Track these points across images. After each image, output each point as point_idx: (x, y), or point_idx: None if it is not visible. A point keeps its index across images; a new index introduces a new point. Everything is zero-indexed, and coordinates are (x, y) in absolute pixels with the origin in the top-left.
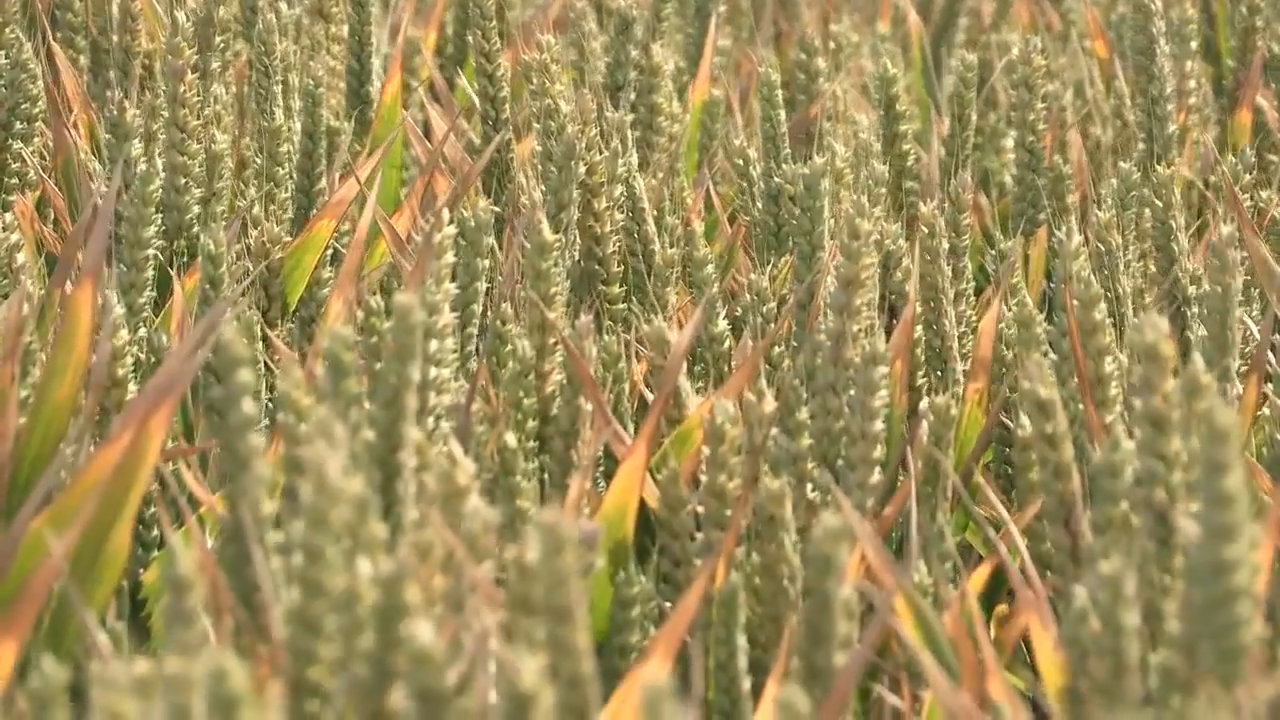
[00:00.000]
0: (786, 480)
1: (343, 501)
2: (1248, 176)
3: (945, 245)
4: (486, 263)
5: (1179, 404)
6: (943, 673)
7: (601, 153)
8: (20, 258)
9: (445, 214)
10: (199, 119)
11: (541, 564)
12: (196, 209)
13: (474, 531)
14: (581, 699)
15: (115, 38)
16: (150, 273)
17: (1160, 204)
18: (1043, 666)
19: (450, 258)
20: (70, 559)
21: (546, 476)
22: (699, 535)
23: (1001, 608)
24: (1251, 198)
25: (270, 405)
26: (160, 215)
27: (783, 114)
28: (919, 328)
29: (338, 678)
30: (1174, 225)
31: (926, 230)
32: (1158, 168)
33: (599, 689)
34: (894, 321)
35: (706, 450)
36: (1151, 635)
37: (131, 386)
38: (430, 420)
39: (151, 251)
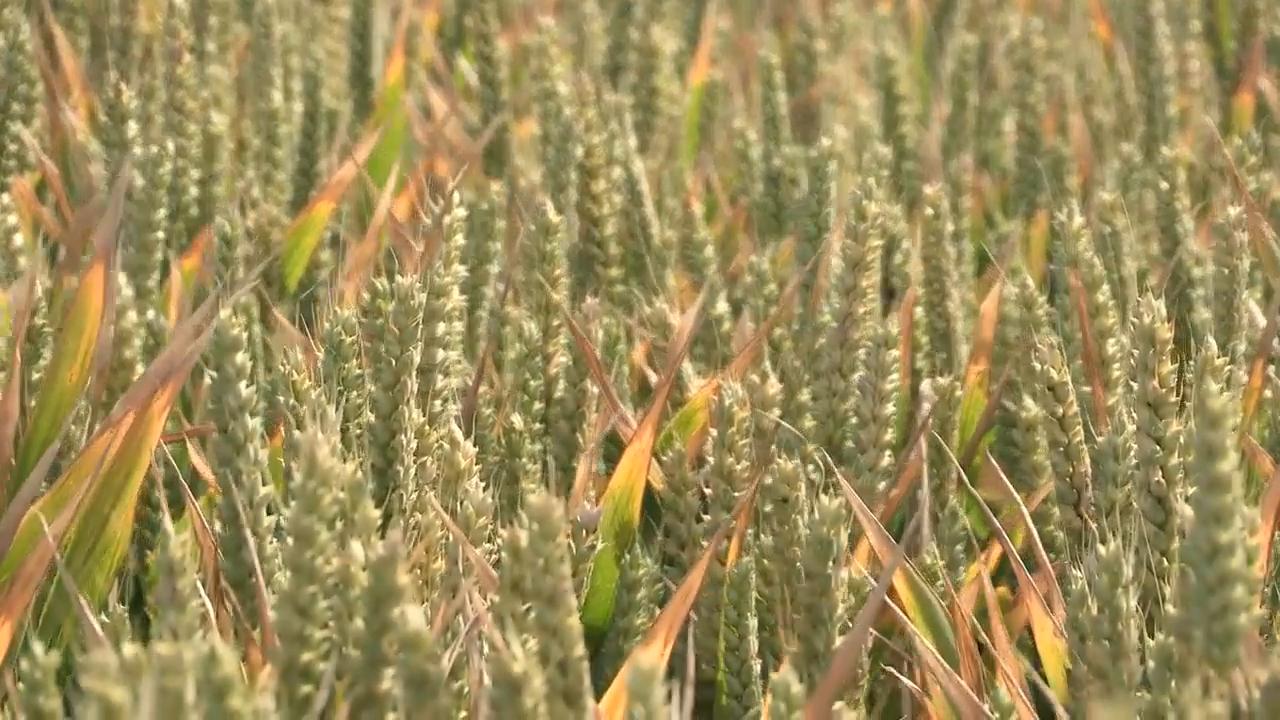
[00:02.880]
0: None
1: (335, 485)
2: (1253, 159)
3: (950, 227)
4: (498, 245)
5: (1188, 386)
6: (941, 657)
7: (600, 135)
8: (18, 239)
9: (455, 196)
10: (196, 101)
11: (532, 548)
12: (195, 190)
13: (470, 515)
14: (571, 683)
15: (114, 19)
16: (160, 255)
17: (1167, 185)
18: (1043, 652)
19: (460, 240)
20: (70, 543)
21: (552, 459)
22: (705, 517)
23: (1002, 590)
24: (1256, 180)
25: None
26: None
27: (783, 96)
28: (919, 310)
29: (329, 661)
30: (1178, 207)
31: (932, 212)
32: (1163, 150)
33: (589, 673)
34: (891, 303)
35: (713, 432)
36: (1150, 619)
37: (140, 369)
38: (437, 403)
39: (161, 235)
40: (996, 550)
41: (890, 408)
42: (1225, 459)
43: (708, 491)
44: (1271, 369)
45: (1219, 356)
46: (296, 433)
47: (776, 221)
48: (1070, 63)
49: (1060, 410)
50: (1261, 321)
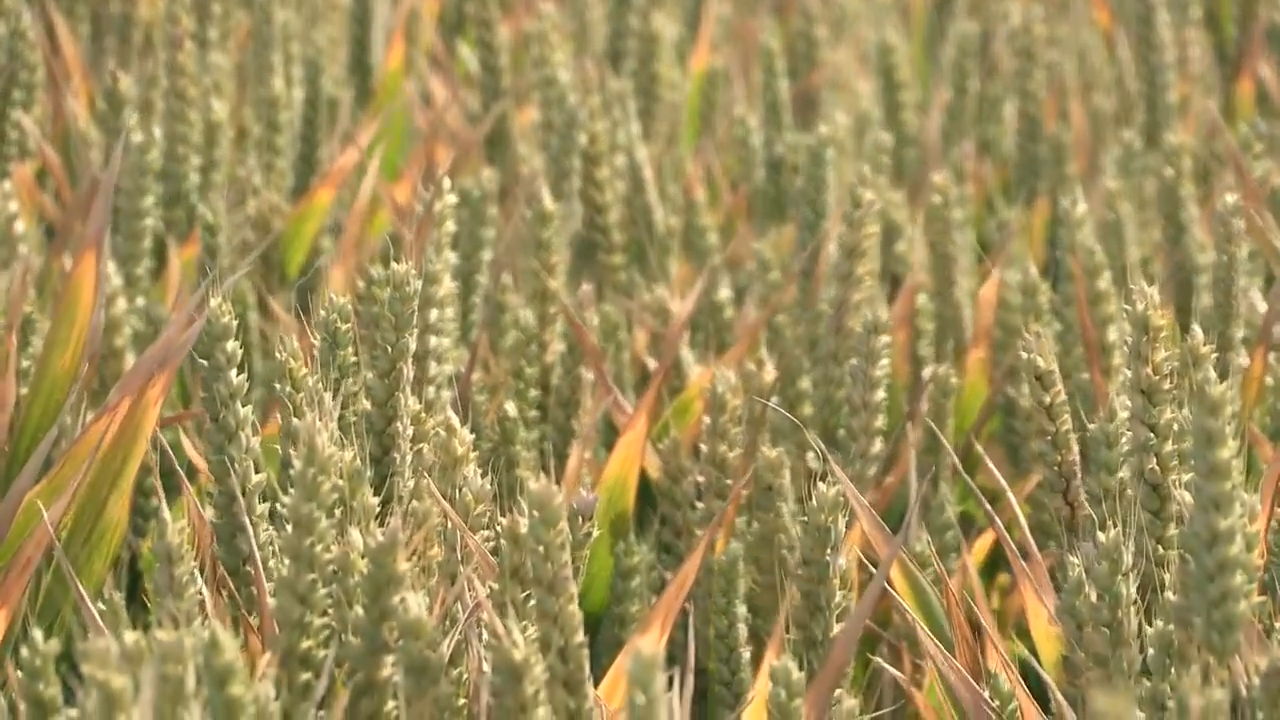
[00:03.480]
0: (787, 449)
1: (334, 472)
2: (1259, 146)
3: (957, 214)
4: (491, 232)
5: (1178, 373)
6: (938, 643)
7: (603, 122)
8: (19, 227)
9: (446, 182)
10: (198, 88)
11: (532, 534)
12: (195, 178)
13: (469, 502)
14: (572, 670)
15: (115, 6)
16: (148, 243)
17: (1173, 171)
18: (1038, 638)
19: (451, 226)
20: (66, 530)
21: (550, 446)
22: (699, 505)
23: (1004, 578)
24: (1260, 167)
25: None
26: (158, 184)
27: (784, 83)
28: (924, 297)
29: (329, 648)
30: (1183, 195)
31: (940, 199)
32: (1168, 136)
33: (589, 660)
34: (896, 291)
35: (707, 420)
36: (1146, 606)
37: (130, 357)
38: (430, 390)
39: (150, 222)
40: (988, 539)
41: (880, 394)
42: (1224, 446)
43: (701, 479)
44: (1272, 356)
45: (1206, 343)
46: (294, 420)
47: (777, 208)
48: (1071, 49)
49: (1047, 398)
50: (1261, 308)
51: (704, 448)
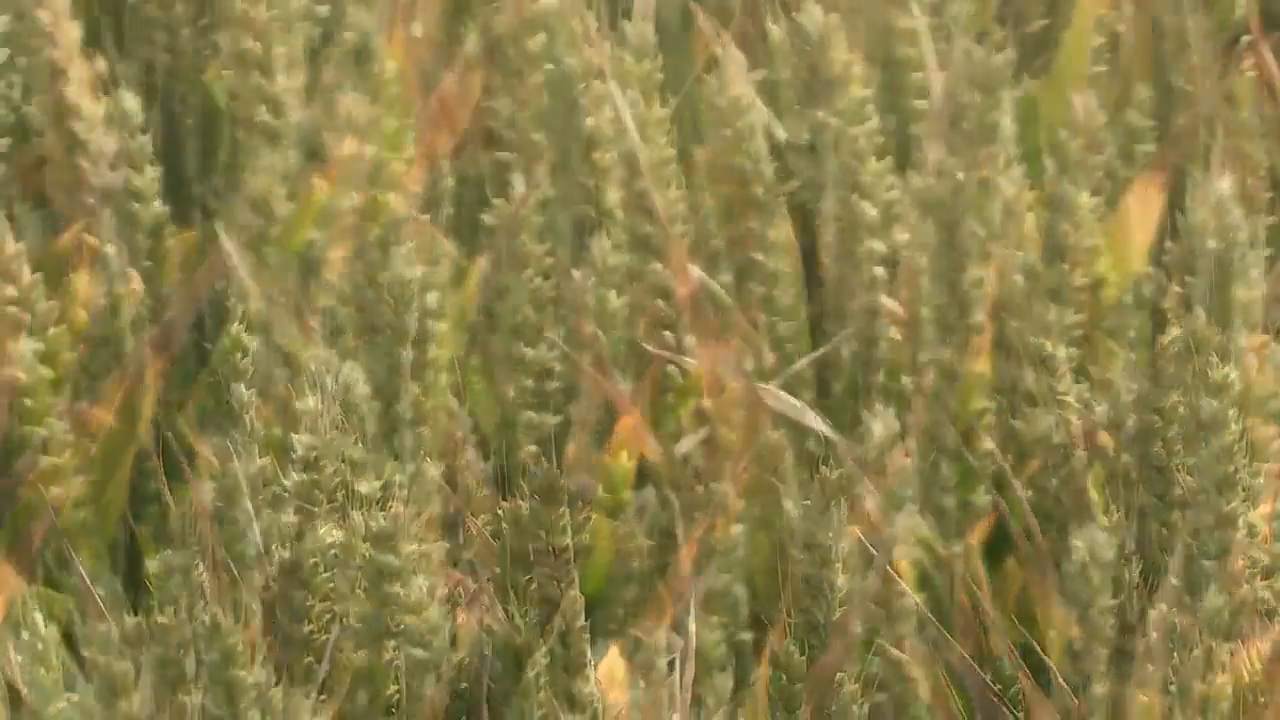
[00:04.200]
0: (785, 433)
1: (336, 456)
2: (1257, 127)
3: (956, 197)
4: (491, 216)
5: (1181, 357)
6: (940, 626)
7: (603, 107)
8: (18, 211)
9: (445, 165)
10: (198, 73)
11: (533, 517)
12: (195, 162)
13: (470, 485)
14: (573, 655)
15: None
16: (150, 227)
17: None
18: (1041, 622)
19: (450, 210)
20: (66, 513)
21: (549, 431)
22: (699, 489)
23: (1011, 561)
24: (1262, 149)
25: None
26: (159, 168)
27: (787, 67)
28: (925, 279)
29: (330, 633)
30: (1183, 179)
31: (934, 179)
32: (1175, 120)
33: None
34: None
35: (707, 403)
36: (1150, 590)
37: (130, 340)
38: (430, 373)
39: (150, 205)
40: (988, 522)
41: (881, 377)
42: (1227, 430)
43: (701, 464)
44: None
45: (1210, 326)
46: (297, 404)
47: (778, 192)
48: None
49: (1050, 382)
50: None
51: (704, 431)
